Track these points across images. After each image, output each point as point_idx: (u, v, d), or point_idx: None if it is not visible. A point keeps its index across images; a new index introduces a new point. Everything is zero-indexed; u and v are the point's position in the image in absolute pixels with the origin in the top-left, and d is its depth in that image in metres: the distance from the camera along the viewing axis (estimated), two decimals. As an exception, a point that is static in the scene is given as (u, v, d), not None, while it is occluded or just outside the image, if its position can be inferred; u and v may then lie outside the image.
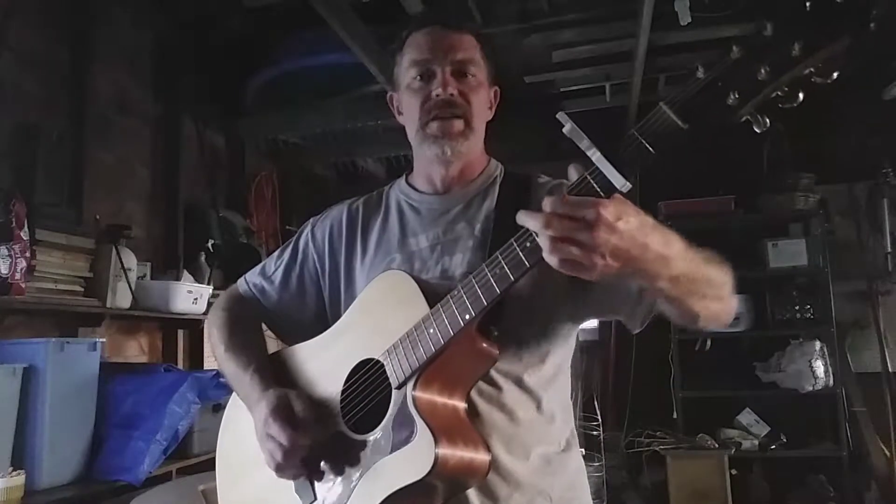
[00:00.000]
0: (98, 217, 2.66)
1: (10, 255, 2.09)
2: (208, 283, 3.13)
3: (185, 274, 3.04)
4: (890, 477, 3.65)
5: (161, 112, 3.25)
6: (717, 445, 3.76)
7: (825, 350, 3.78)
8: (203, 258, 3.25)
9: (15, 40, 2.44)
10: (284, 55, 3.35)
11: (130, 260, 2.63)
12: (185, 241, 3.24)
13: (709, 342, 4.09)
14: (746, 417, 3.94)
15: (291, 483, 1.08)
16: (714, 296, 0.92)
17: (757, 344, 4.05)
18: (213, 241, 3.28)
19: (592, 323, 4.44)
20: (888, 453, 3.71)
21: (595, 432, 3.78)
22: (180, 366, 3.05)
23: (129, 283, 2.61)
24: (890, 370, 3.89)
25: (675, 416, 3.89)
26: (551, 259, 0.77)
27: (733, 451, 3.70)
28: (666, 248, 0.80)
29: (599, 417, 3.83)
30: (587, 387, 4.16)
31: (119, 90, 2.98)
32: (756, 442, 3.83)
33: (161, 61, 3.25)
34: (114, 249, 2.55)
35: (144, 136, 3.15)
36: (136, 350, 2.93)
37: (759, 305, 3.99)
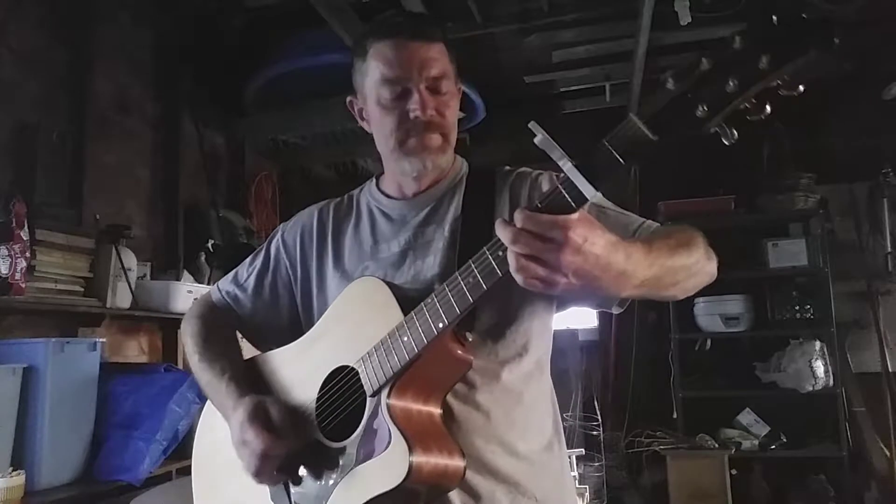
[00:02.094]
0: (98, 217, 2.66)
1: (10, 255, 2.09)
2: (208, 283, 3.13)
3: (185, 274, 3.04)
4: (890, 477, 3.65)
5: (161, 112, 3.25)
6: (717, 445, 3.76)
7: (825, 350, 3.78)
8: (203, 258, 3.24)
9: (15, 40, 2.44)
10: (284, 55, 3.35)
11: (130, 260, 2.63)
12: (185, 241, 3.24)
13: (709, 342, 4.09)
14: (746, 417, 3.94)
15: (267, 491, 1.07)
16: (685, 277, 0.93)
17: (757, 344, 4.05)
18: (213, 241, 3.28)
19: (592, 323, 4.44)
20: (888, 453, 3.71)
21: (595, 432, 3.79)
22: (180, 366, 3.04)
23: (129, 283, 2.61)
24: (890, 370, 3.89)
25: (675, 416, 3.89)
26: (517, 276, 0.79)
27: (733, 451, 3.70)
28: (627, 262, 0.81)
29: (599, 417, 3.83)
30: (587, 387, 4.16)
31: (119, 90, 2.98)
32: (756, 442, 3.83)
33: (161, 61, 3.25)
34: (114, 249, 2.55)
35: (144, 136, 3.15)
36: (136, 350, 2.93)
37: (759, 305, 3.99)
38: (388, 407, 0.95)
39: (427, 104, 1.08)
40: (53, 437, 2.04)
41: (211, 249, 3.26)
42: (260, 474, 1.03)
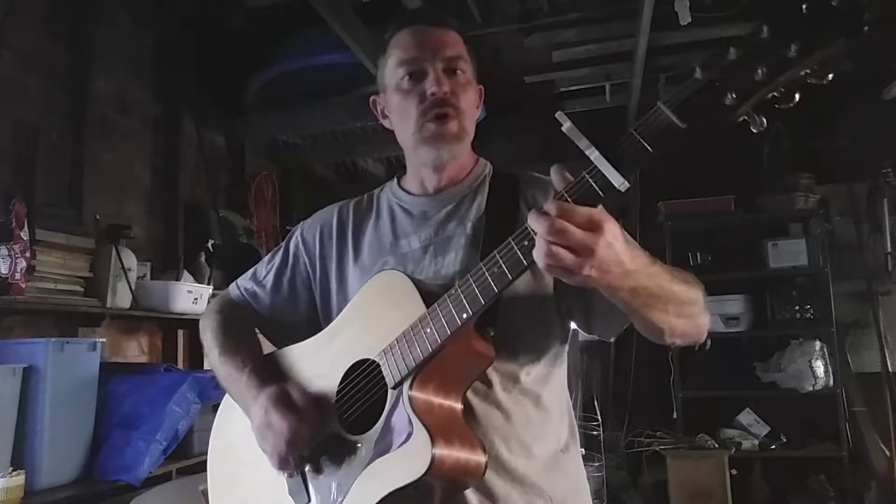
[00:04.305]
0: (98, 217, 2.66)
1: (10, 255, 2.09)
2: (208, 283, 3.13)
3: (185, 274, 3.04)
4: (890, 477, 3.65)
5: (161, 112, 3.25)
6: (717, 445, 3.76)
7: (825, 350, 3.78)
8: (203, 258, 3.24)
9: (15, 40, 2.44)
10: (284, 55, 3.35)
11: (130, 260, 2.63)
12: (185, 241, 3.24)
13: (709, 342, 4.08)
14: (746, 417, 3.94)
15: (285, 485, 1.07)
16: (677, 312, 0.92)
17: (757, 344, 4.05)
18: (213, 241, 3.28)
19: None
20: (888, 453, 3.71)
21: (595, 432, 3.78)
22: (180, 366, 3.05)
23: (129, 283, 2.61)
24: (890, 370, 3.89)
25: (675, 416, 3.89)
26: (541, 260, 0.78)
27: (733, 451, 3.70)
28: (631, 263, 0.82)
29: (599, 417, 3.83)
30: (587, 387, 4.16)
31: (119, 90, 2.98)
32: (756, 442, 3.83)
33: (161, 61, 3.25)
34: (114, 249, 2.55)
35: (144, 136, 3.15)
36: (136, 350, 2.93)
37: (759, 305, 3.99)
38: (410, 399, 0.94)
39: (442, 81, 1.09)
40: (53, 437, 2.04)
41: (211, 249, 3.26)
42: (284, 460, 1.03)
